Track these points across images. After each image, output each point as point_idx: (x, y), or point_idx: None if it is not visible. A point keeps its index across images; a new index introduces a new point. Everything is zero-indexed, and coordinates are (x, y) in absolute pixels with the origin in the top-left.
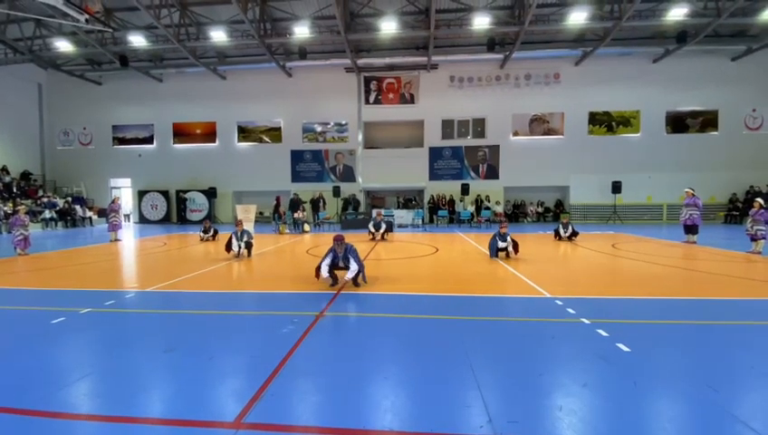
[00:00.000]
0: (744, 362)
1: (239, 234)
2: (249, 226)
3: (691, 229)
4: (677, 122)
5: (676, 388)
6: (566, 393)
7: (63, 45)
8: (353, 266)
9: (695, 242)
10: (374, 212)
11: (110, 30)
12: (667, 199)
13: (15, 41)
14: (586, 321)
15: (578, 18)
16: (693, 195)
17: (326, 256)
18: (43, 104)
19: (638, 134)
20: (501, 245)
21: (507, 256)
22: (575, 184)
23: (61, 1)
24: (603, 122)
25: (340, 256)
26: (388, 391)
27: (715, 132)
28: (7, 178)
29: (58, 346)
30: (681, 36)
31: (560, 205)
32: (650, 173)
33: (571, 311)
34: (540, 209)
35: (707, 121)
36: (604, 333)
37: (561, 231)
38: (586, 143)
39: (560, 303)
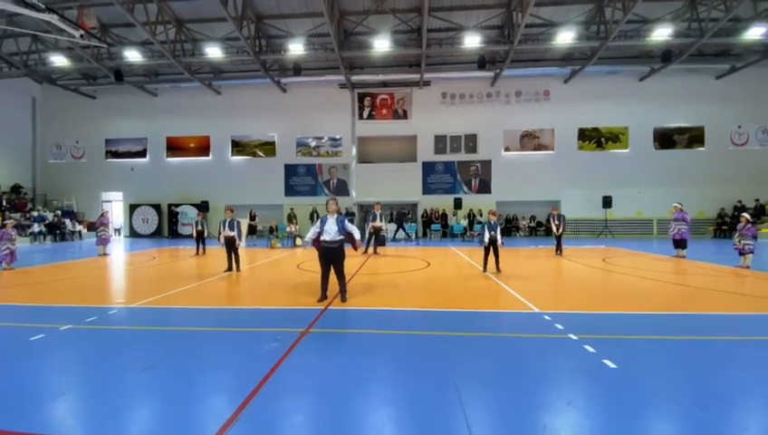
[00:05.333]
0: (734, 380)
1: (231, 222)
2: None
3: (680, 244)
4: (665, 138)
5: (663, 406)
6: (550, 411)
7: (59, 60)
8: (356, 234)
9: (684, 256)
10: (373, 211)
11: (106, 45)
12: (656, 214)
13: (11, 55)
14: (573, 337)
15: (565, 38)
16: (681, 210)
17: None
18: (37, 118)
19: (627, 150)
20: (488, 235)
21: (497, 255)
22: (566, 199)
23: (56, 17)
24: (593, 138)
25: (335, 219)
26: (370, 409)
27: (702, 148)
28: None
29: (35, 364)
30: (666, 56)
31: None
32: (640, 188)
33: (558, 326)
34: (532, 224)
35: (694, 138)
36: (591, 349)
37: (554, 226)
38: (576, 159)
39: (548, 318)
